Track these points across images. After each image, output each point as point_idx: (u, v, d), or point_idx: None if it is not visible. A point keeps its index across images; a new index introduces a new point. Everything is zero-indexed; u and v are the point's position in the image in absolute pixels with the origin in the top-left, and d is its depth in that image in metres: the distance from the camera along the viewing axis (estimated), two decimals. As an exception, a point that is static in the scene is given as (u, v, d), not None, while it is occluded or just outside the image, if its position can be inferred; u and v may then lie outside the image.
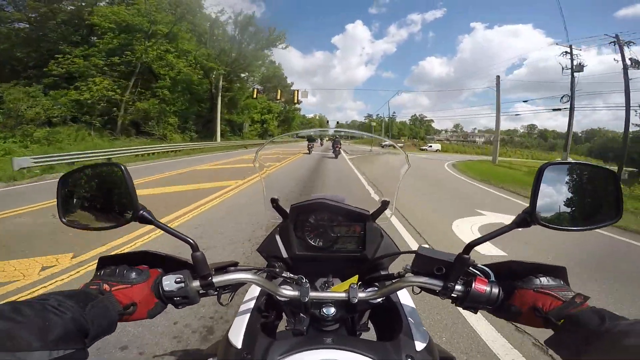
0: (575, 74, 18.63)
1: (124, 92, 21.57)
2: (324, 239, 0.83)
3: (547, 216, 0.55)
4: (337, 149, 13.37)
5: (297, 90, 29.78)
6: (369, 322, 0.81)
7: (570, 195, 0.57)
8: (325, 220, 0.83)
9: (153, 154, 16.86)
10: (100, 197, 0.63)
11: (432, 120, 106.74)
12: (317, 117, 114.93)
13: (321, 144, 16.12)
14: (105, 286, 0.54)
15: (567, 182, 0.57)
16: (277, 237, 0.86)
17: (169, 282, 0.57)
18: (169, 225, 0.59)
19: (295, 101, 30.55)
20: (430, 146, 57.65)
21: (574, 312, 0.49)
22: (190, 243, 0.58)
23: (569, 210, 0.56)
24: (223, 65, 28.57)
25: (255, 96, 31.42)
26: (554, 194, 0.56)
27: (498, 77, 23.88)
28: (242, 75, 32.85)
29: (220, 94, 28.28)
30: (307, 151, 13.81)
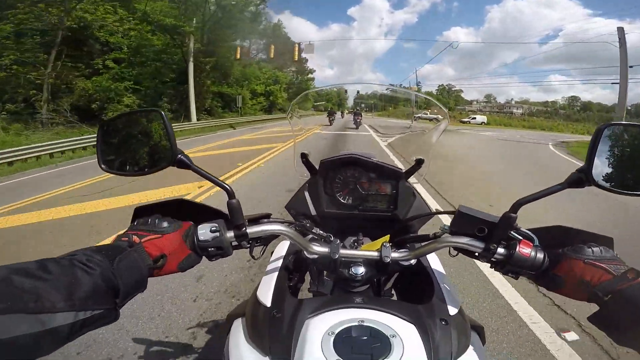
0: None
1: (46, 69, 15.30)
2: (354, 196, 0.82)
3: (604, 178, 0.51)
4: (358, 120, 13.41)
5: (298, 44, 21.56)
6: (392, 289, 0.80)
7: (630, 158, 0.54)
8: (355, 176, 0.81)
9: (65, 152, 10.14)
10: (139, 142, 0.63)
11: (460, 91, 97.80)
12: (335, 90, 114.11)
13: (342, 116, 15.85)
14: (135, 238, 0.50)
15: (628, 145, 0.53)
16: (306, 194, 0.84)
17: (204, 232, 0.55)
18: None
19: (296, 58, 22.85)
20: (474, 118, 45.54)
21: (624, 287, 0.44)
22: (227, 190, 0.56)
23: (628, 173, 0.53)
24: (195, 23, 20.80)
25: (238, 57, 23.58)
26: (613, 156, 0.52)
27: (621, 28, 15.48)
28: (232, 35, 24.61)
29: (191, 60, 20.11)
30: (328, 123, 14.11)
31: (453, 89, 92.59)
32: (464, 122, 43.51)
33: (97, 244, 0.45)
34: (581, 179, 0.50)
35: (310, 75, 56.80)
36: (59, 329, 0.34)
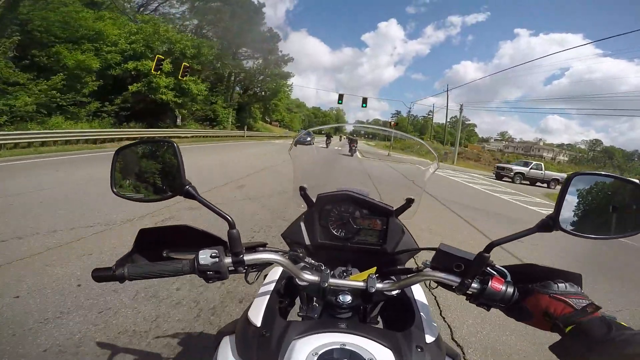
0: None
1: None
2: (347, 229, 0.85)
3: (570, 223, 0.56)
4: (353, 147, 8.18)
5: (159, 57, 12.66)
6: (379, 316, 0.84)
7: (595, 204, 0.58)
8: (349, 211, 0.85)
9: None
10: (151, 171, 0.65)
11: (474, 125, 79.81)
12: (334, 112, 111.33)
13: (340, 139, 11.44)
14: None
15: (593, 192, 0.57)
16: (302, 224, 0.87)
17: (205, 256, 0.58)
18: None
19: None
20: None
21: (583, 320, 0.49)
22: (229, 220, 0.60)
23: (592, 219, 0.58)
24: None
25: None
26: (580, 203, 0.57)
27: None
28: None
29: None
30: (325, 145, 10.85)
31: (467, 122, 73.46)
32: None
33: None
34: (549, 224, 0.55)
35: (284, 69, 33.65)
36: None
